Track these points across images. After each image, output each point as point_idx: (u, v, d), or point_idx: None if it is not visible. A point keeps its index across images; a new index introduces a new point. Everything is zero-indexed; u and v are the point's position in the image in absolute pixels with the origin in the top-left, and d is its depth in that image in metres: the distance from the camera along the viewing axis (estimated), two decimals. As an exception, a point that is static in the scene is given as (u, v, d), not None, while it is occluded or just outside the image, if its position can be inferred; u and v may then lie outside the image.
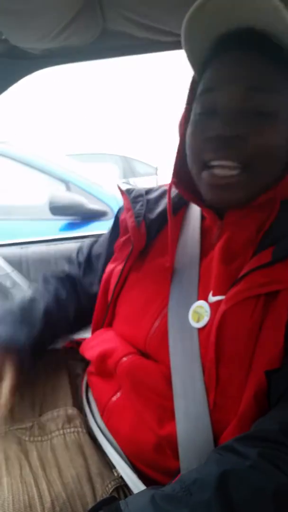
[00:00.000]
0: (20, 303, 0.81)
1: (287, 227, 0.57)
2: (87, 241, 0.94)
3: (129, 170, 4.71)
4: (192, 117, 0.62)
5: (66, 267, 0.94)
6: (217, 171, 0.57)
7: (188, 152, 0.62)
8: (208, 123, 0.57)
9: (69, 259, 0.95)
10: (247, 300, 0.54)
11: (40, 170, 2.33)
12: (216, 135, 0.55)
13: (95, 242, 0.91)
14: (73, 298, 0.89)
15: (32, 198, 2.43)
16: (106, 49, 0.98)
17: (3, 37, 0.87)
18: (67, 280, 0.91)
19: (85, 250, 0.92)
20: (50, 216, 2.06)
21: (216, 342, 0.54)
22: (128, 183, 3.25)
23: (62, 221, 2.09)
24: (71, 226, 2.08)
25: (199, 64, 0.62)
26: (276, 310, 0.52)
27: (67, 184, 2.27)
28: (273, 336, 0.51)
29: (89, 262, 0.90)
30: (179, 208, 0.75)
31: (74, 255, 0.95)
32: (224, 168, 0.56)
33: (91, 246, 0.91)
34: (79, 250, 0.95)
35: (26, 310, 0.80)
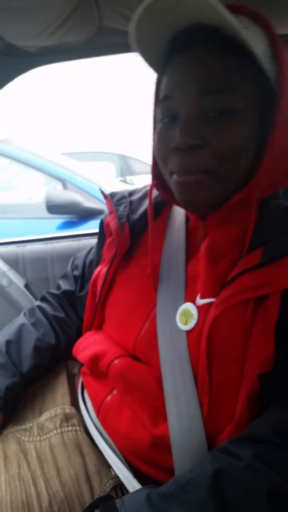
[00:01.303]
0: (5, 345, 0.79)
1: (275, 228, 0.56)
2: (81, 254, 0.95)
3: (126, 168, 4.71)
4: (156, 122, 0.61)
5: (61, 283, 0.94)
6: (180, 177, 0.56)
7: (157, 157, 0.61)
8: (169, 131, 0.56)
9: (64, 274, 0.95)
10: (238, 304, 0.53)
11: (37, 169, 2.32)
12: (175, 147, 0.54)
13: (88, 253, 0.92)
14: (73, 317, 0.90)
15: (29, 197, 2.43)
16: (103, 46, 0.98)
17: (-1, 34, 0.86)
18: (65, 298, 0.92)
19: (80, 264, 0.92)
20: (47, 214, 2.06)
21: (207, 347, 0.54)
22: (125, 181, 3.25)
23: (59, 219, 2.08)
24: (68, 224, 2.07)
25: (159, 66, 0.60)
26: (265, 313, 0.52)
27: (64, 182, 2.27)
28: (264, 339, 0.51)
29: (84, 275, 0.90)
30: (163, 207, 0.75)
31: (69, 269, 0.95)
32: (187, 175, 0.55)
33: (85, 258, 0.92)
34: (73, 263, 0.95)
35: (10, 353, 0.78)
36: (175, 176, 0.57)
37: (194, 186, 0.55)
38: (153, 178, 0.67)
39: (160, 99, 0.57)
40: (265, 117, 0.54)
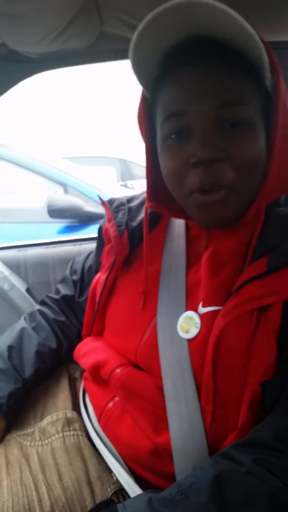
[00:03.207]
0: (6, 350, 0.79)
1: (279, 236, 0.55)
2: (79, 258, 0.95)
3: (127, 173, 4.72)
4: (161, 140, 0.58)
5: (60, 287, 0.94)
6: (204, 197, 0.54)
7: (167, 177, 0.59)
8: (185, 146, 0.54)
9: (63, 278, 0.95)
10: (244, 313, 0.53)
11: (38, 173, 2.33)
12: (196, 162, 0.52)
13: (87, 258, 0.92)
14: (74, 320, 0.90)
15: (30, 201, 2.44)
16: (104, 52, 0.98)
17: (1, 41, 0.87)
18: (65, 303, 0.92)
19: (78, 269, 0.92)
20: (48, 219, 2.06)
21: (213, 356, 0.53)
22: (126, 185, 3.25)
23: (60, 224, 2.09)
24: (69, 229, 2.08)
25: (149, 80, 0.58)
26: (268, 321, 0.52)
27: (65, 187, 2.28)
28: (266, 347, 0.51)
29: (83, 280, 0.90)
30: (162, 215, 0.74)
31: (67, 273, 0.95)
32: (211, 193, 0.54)
33: (84, 263, 0.92)
34: (72, 268, 0.95)
35: (12, 358, 0.78)
36: (196, 196, 0.55)
37: (218, 206, 0.55)
38: (149, 199, 0.66)
39: (169, 114, 0.55)
40: (267, 125, 0.55)
